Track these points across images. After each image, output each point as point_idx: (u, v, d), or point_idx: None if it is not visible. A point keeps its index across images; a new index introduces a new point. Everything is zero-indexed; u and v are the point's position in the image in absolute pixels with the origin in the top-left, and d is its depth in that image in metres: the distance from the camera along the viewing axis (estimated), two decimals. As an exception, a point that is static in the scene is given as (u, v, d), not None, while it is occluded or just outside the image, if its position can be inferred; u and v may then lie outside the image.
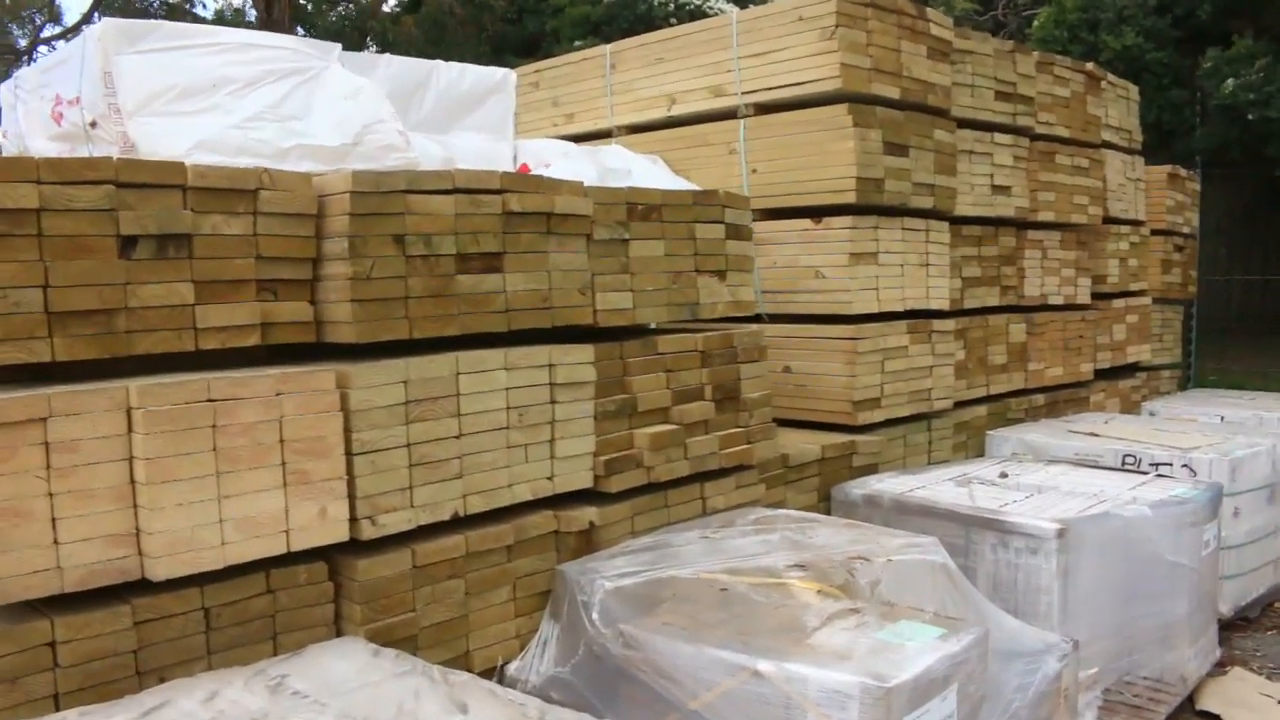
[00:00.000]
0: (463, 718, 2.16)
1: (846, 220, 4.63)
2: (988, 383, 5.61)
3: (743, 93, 4.96)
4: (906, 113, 4.86)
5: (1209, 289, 10.98)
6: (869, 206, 4.70)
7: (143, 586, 2.42)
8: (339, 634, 2.73)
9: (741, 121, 4.97)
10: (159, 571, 2.37)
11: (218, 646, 2.51)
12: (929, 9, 5.06)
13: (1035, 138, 5.91)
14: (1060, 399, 6.23)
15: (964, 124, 5.32)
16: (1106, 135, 6.75)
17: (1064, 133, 6.17)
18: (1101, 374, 6.75)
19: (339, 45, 3.59)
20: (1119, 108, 6.99)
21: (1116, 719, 3.60)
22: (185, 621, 2.46)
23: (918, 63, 4.90)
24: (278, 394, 2.55)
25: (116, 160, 2.51)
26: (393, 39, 13.72)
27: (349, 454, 2.69)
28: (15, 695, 2.23)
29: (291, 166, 2.97)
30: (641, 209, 3.55)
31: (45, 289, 2.38)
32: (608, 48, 5.70)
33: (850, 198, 4.59)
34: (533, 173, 4.21)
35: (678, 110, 5.28)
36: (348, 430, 2.68)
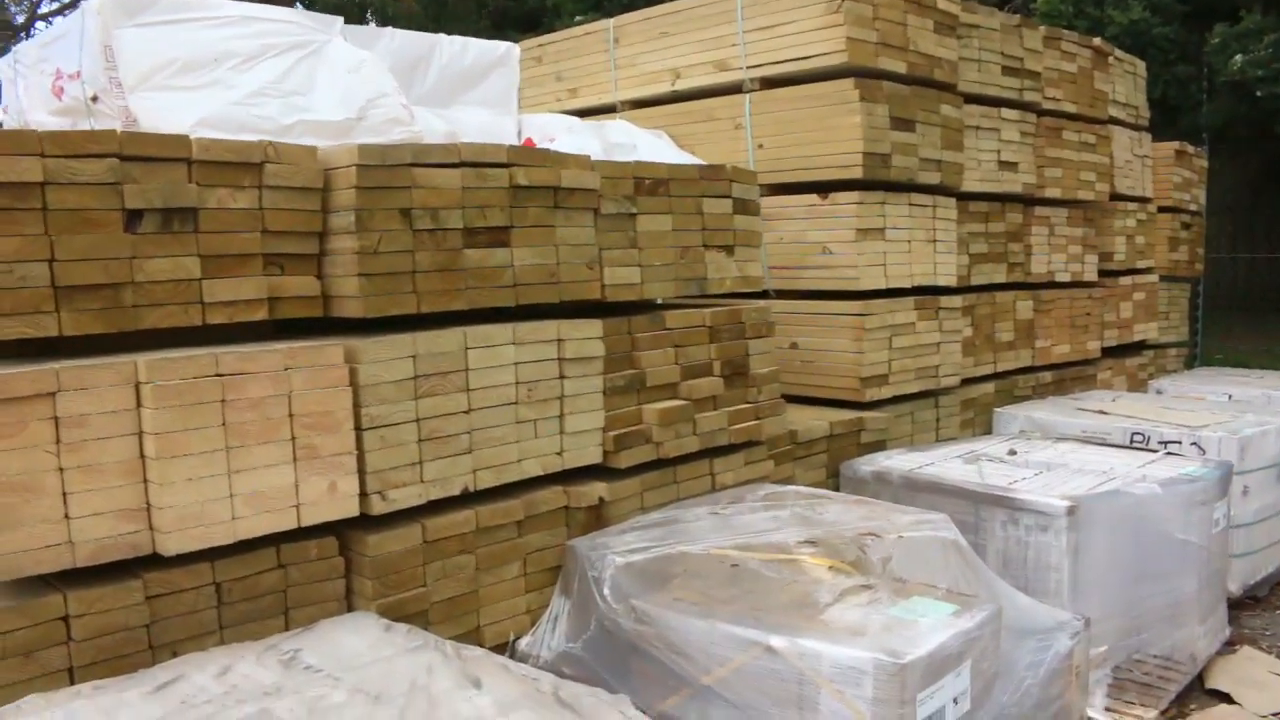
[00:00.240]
0: (476, 692, 2.15)
1: (853, 196, 4.60)
2: (995, 360, 5.59)
3: (748, 67, 4.91)
4: (913, 87, 4.81)
5: (1215, 266, 10.94)
6: (876, 182, 4.67)
7: (154, 561, 2.41)
8: (350, 609, 2.73)
9: (747, 96, 4.92)
10: (170, 546, 2.36)
11: (229, 621, 2.51)
12: (936, -18, 5.00)
13: (1042, 113, 5.87)
14: (1067, 376, 6.21)
15: (970, 99, 5.27)
16: (1113, 111, 6.70)
17: (1071, 108, 6.12)
18: (1108, 352, 6.73)
19: (341, 19, 3.55)
20: (1126, 83, 6.94)
21: (1127, 697, 3.60)
22: (197, 596, 2.46)
23: (924, 37, 4.84)
24: (286, 369, 2.54)
25: (120, 133, 2.48)
26: (392, 14, 13.59)
27: (358, 429, 2.67)
28: (31, 668, 2.24)
29: (295, 142, 2.93)
30: (649, 183, 3.52)
31: (51, 263, 2.36)
32: (610, 22, 5.64)
33: (857, 173, 4.55)
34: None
35: (682, 85, 5.23)
36: (357, 405, 2.67)
